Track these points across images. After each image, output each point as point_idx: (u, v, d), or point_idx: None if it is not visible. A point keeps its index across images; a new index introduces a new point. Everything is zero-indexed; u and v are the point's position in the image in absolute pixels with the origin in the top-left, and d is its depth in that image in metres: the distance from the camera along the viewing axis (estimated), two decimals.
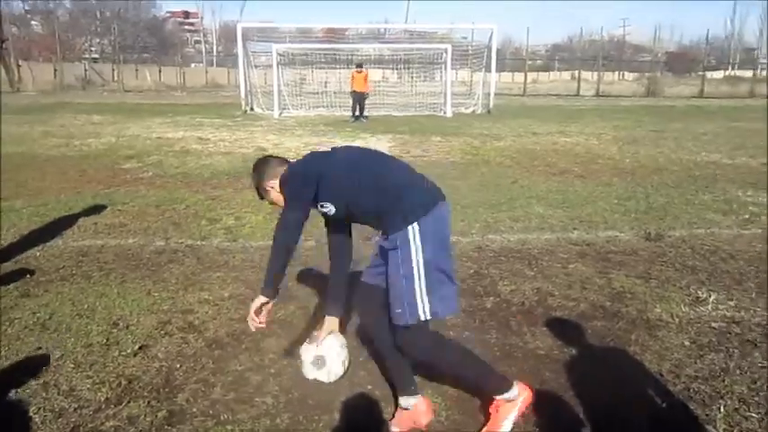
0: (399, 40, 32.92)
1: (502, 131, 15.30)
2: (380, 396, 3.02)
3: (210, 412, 2.87)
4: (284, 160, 2.89)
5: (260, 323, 2.71)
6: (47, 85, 37.84)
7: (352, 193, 2.66)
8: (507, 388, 2.70)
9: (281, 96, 22.18)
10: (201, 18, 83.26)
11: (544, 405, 2.89)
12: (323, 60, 27.02)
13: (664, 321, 3.84)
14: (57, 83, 38.31)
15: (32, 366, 3.30)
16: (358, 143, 13.08)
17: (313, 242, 5.32)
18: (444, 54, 23.67)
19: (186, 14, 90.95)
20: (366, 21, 68.33)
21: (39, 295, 4.33)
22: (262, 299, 2.68)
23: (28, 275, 4.71)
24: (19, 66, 38.74)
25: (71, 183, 8.44)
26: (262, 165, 2.89)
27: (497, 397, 2.71)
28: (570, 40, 78.22)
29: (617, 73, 58.46)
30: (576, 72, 45.20)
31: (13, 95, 31.61)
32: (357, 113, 19.14)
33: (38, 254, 5.29)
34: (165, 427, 2.75)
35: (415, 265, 2.51)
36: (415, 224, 2.53)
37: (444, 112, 22.09)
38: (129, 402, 2.93)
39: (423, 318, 2.53)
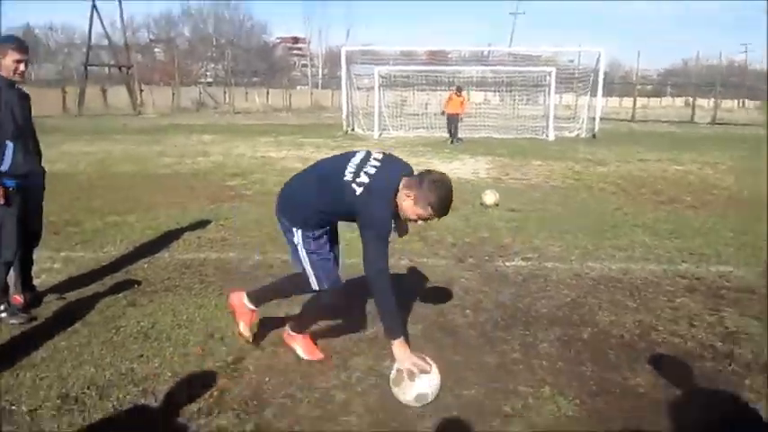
0: (503, 62, 32.64)
1: (606, 157, 14.76)
2: (464, 419, 2.93)
3: (296, 428, 2.88)
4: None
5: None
6: (165, 108, 40.43)
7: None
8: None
9: (381, 117, 22.52)
10: (309, 43, 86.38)
11: None
12: (424, 82, 27.32)
13: None
14: (174, 106, 40.85)
15: (134, 374, 3.46)
16: (455, 164, 13.04)
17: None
18: (548, 77, 23.22)
19: (295, 40, 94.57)
20: (470, 44, 68.20)
21: (144, 305, 4.56)
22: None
23: (136, 285, 4.98)
24: (141, 90, 41.62)
25: (180, 198, 8.90)
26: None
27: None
28: (685, 63, 74.66)
29: (737, 101, 55.04)
30: (691, 98, 42.90)
31: (134, 118, 33.98)
32: (454, 135, 19.12)
33: (146, 265, 5.58)
34: None
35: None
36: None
37: (546, 136, 21.63)
38: (218, 414, 2.99)
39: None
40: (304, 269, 3.37)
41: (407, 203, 3.13)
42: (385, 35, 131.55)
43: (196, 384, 3.30)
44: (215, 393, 3.21)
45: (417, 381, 3.03)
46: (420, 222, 3.26)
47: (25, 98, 4.28)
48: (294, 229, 3.33)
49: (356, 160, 3.23)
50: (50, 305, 4.59)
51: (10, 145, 4.12)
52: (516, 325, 4.11)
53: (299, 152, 15.35)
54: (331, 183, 3.19)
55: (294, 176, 3.57)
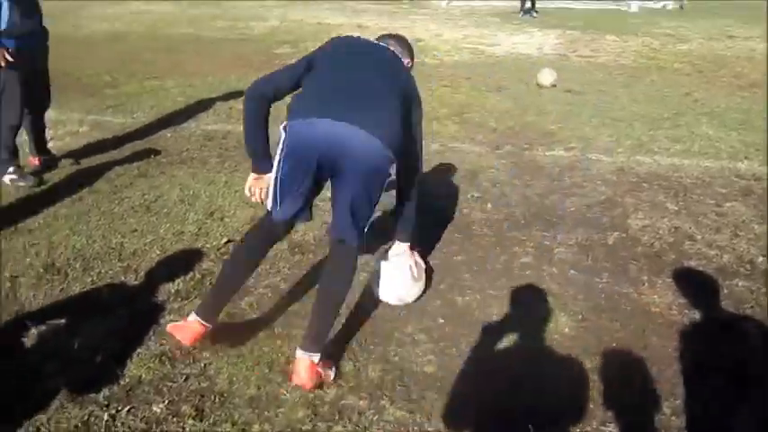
0: None
1: (690, 32, 13.31)
2: (447, 328, 2.71)
3: (267, 323, 2.73)
4: None
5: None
6: None
7: None
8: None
9: None
10: None
11: (628, 378, 2.42)
12: None
13: None
14: None
15: (122, 249, 3.37)
16: (521, 38, 12.10)
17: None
18: None
19: None
20: None
21: (154, 176, 4.44)
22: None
23: (152, 156, 4.85)
24: None
25: (223, 65, 8.61)
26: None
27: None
28: None
29: None
30: None
31: None
32: (528, 6, 17.67)
33: (169, 134, 5.44)
34: (218, 331, 2.65)
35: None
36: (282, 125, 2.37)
37: (629, 7, 19.72)
38: (195, 298, 2.86)
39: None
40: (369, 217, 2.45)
41: None
42: None
43: (180, 265, 3.18)
44: (197, 276, 3.09)
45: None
46: None
47: None
48: (390, 158, 2.35)
49: (364, 40, 2.70)
50: (65, 170, 4.54)
51: (5, 3, 3.88)
52: (536, 224, 3.76)
53: (359, 19, 14.58)
54: (391, 65, 2.57)
55: (352, 87, 2.39)
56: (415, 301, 2.89)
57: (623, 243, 3.55)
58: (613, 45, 11.36)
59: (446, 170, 4.65)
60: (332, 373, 2.36)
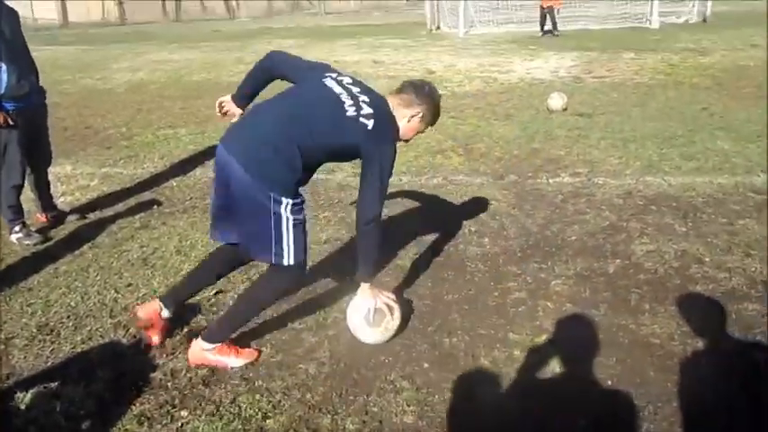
0: None
1: (712, 45, 13.08)
2: (433, 371, 2.60)
3: (250, 375, 2.67)
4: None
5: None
6: (260, 11, 40.26)
7: None
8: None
9: (467, 13, 21.13)
10: None
11: (623, 419, 2.28)
12: None
13: None
14: (268, 8, 40.59)
15: (115, 305, 3.37)
16: (536, 63, 12.04)
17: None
18: None
19: None
20: None
21: (155, 227, 4.46)
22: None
23: (155, 206, 4.90)
24: None
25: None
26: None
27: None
28: None
29: None
30: None
31: (228, 23, 34.14)
32: (548, 27, 17.66)
33: (174, 184, 5.49)
34: (200, 386, 2.61)
35: None
36: None
37: (649, 23, 19.51)
38: (179, 354, 2.83)
39: None
40: (278, 242, 2.54)
41: (412, 123, 2.76)
42: None
43: (170, 320, 3.14)
44: (184, 330, 3.05)
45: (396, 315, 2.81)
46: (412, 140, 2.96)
47: (12, 14, 4.11)
48: (282, 197, 2.48)
49: (340, 88, 2.63)
50: (70, 225, 4.61)
51: (3, 67, 3.98)
52: (535, 256, 3.65)
53: (374, 55, 14.74)
54: (329, 125, 2.55)
55: (255, 119, 2.68)
56: (391, 339, 2.83)
57: (625, 271, 3.40)
58: (631, 63, 11.22)
59: (445, 205, 4.58)
60: (229, 363, 2.70)
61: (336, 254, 3.85)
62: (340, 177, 5.30)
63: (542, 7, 17.72)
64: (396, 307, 2.82)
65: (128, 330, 3.09)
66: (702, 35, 15.14)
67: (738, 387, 2.41)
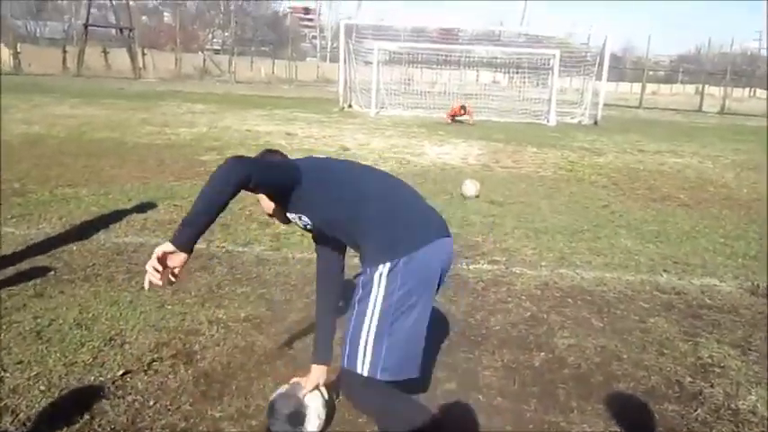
0: (514, 43, 31.64)
1: (605, 146, 14.13)
2: None
3: None
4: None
5: (159, 279, 1.98)
6: (167, 73, 39.75)
7: (327, 209, 2.26)
8: None
9: (378, 95, 21.83)
10: (319, 14, 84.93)
11: None
12: (434, 60, 26.61)
13: (758, 417, 2.98)
14: (176, 71, 40.16)
15: (2, 385, 2.97)
16: (446, 149, 12.47)
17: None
18: (552, 59, 22.42)
19: (306, 11, 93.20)
20: (482, 22, 66.41)
21: (52, 296, 4.07)
22: (169, 247, 2.01)
23: (53, 272, 4.49)
24: (144, 54, 40.89)
25: (145, 172, 8.37)
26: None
27: None
28: (698, 50, 72.89)
29: (748, 89, 53.92)
30: (701, 86, 41.67)
31: (134, 82, 33.40)
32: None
33: (74, 248, 5.08)
34: None
35: (370, 308, 2.09)
36: (388, 263, 2.09)
37: (547, 121, 20.93)
38: None
39: (360, 371, 2.09)
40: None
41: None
42: (397, 10, 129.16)
43: (66, 404, 2.81)
44: (86, 418, 2.73)
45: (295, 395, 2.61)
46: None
47: None
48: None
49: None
50: None
51: None
52: (461, 346, 3.60)
53: (288, 127, 14.78)
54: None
55: (406, 196, 2.41)
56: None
57: (550, 365, 3.41)
58: (534, 157, 11.85)
59: None
60: None
61: (254, 331, 3.64)
62: (258, 251, 5.12)
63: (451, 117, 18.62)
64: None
65: (16, 416, 2.73)
66: (595, 136, 16.34)
67: None
